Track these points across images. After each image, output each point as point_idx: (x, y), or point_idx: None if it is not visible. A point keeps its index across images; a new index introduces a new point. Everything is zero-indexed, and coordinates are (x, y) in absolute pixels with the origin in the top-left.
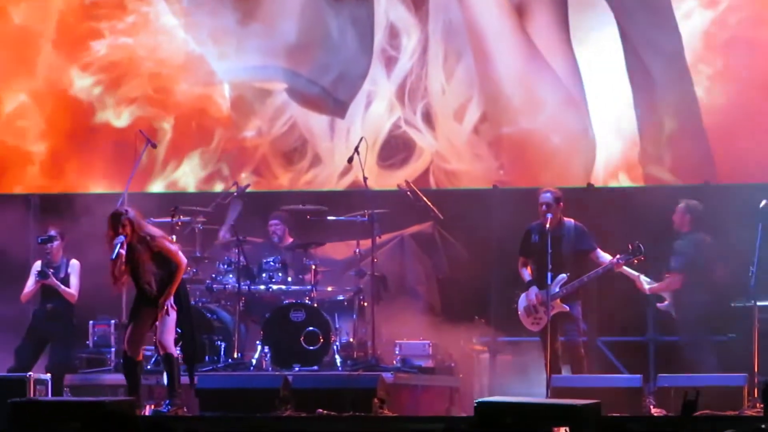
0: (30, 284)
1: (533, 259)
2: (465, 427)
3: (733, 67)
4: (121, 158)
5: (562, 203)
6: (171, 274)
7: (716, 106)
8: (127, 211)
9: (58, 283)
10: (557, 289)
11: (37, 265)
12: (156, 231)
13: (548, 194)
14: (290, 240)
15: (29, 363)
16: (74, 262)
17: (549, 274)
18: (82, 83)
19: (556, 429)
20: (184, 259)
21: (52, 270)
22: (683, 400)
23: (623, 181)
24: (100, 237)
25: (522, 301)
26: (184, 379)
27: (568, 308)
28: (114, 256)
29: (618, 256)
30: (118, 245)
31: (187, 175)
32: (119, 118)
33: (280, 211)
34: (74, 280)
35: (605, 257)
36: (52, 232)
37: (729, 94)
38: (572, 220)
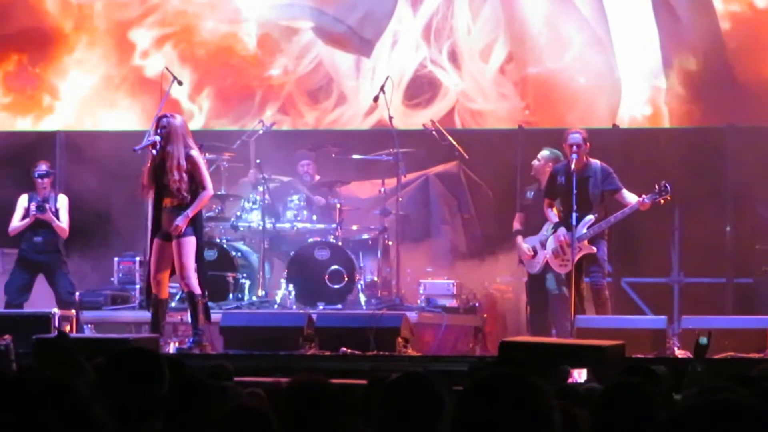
0: (19, 218)
1: (560, 200)
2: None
3: (760, 6)
4: (147, 95)
5: (588, 144)
6: (195, 196)
7: (742, 47)
8: (173, 116)
9: (54, 217)
10: (585, 230)
11: (24, 199)
12: (195, 147)
13: (577, 135)
14: (317, 178)
15: (21, 295)
16: (63, 197)
17: (575, 215)
18: (109, 21)
19: (573, 370)
20: (211, 188)
21: (46, 204)
22: (695, 342)
23: (648, 122)
24: (125, 175)
25: (550, 243)
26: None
27: (596, 249)
28: (137, 148)
29: (644, 195)
30: (149, 140)
31: (213, 113)
32: (145, 55)
33: (308, 150)
34: (64, 215)
35: (631, 197)
36: (45, 167)
37: (755, 34)
38: (597, 161)
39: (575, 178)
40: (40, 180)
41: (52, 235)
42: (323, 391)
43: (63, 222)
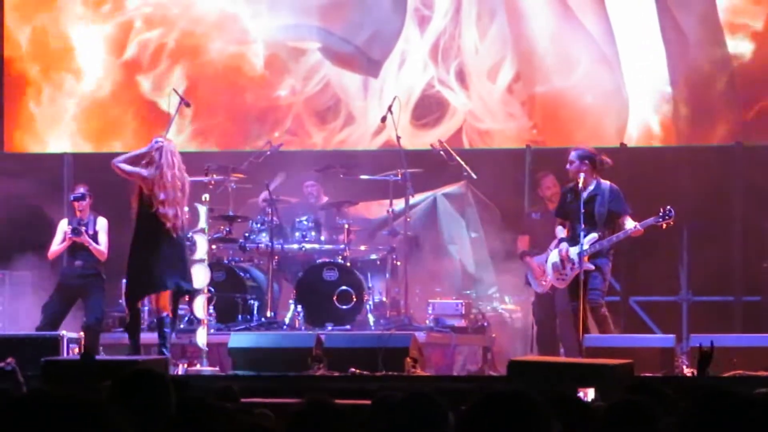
0: (59, 242)
1: (569, 219)
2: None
3: (767, 26)
4: (155, 117)
5: (589, 161)
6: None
7: (749, 66)
8: (166, 141)
9: (90, 240)
10: (587, 247)
11: (64, 223)
12: (151, 170)
13: (572, 152)
14: (325, 199)
15: (57, 320)
16: (102, 219)
17: (581, 233)
18: (117, 40)
19: (581, 389)
20: (140, 175)
21: (83, 227)
22: (699, 355)
23: (655, 141)
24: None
25: (553, 257)
26: (220, 338)
27: (593, 267)
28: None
29: (636, 224)
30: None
31: (220, 134)
32: (152, 76)
33: (315, 171)
34: (103, 238)
35: (630, 225)
36: (83, 190)
37: (762, 53)
38: (608, 182)
39: (581, 195)
40: (76, 203)
41: (92, 258)
42: (331, 413)
43: (101, 244)
